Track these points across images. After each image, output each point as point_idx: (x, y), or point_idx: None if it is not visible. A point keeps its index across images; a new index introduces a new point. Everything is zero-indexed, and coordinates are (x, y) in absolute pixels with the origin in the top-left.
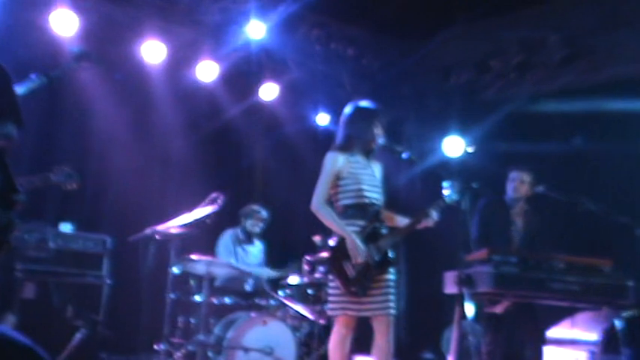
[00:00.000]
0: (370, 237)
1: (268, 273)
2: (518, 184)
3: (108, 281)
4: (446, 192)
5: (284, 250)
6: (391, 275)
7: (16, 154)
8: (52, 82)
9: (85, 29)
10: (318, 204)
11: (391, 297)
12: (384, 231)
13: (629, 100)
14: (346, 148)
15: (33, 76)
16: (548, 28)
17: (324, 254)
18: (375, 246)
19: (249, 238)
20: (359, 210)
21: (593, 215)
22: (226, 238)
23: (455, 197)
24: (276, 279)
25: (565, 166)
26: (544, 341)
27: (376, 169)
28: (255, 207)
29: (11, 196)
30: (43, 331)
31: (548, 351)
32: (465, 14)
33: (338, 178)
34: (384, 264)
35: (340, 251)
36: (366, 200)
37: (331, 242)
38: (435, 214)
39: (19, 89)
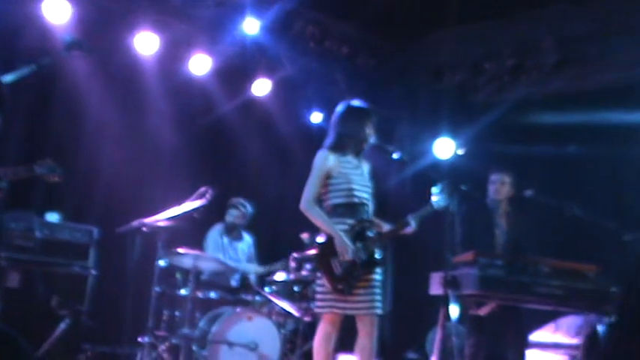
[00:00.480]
0: (358, 236)
1: (255, 269)
2: (499, 186)
3: (93, 272)
4: (434, 198)
5: (272, 246)
6: (378, 275)
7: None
8: (42, 70)
9: (77, 18)
10: (307, 203)
11: (377, 297)
12: (372, 231)
13: (619, 106)
14: (337, 147)
15: (22, 63)
16: (542, 32)
17: (312, 252)
18: (363, 245)
19: (230, 230)
20: (349, 209)
21: (581, 220)
22: (215, 232)
23: (443, 203)
24: (263, 275)
25: (554, 171)
26: (527, 344)
27: (365, 169)
28: (240, 200)
29: None
30: (27, 320)
31: (531, 354)
32: (460, 16)
33: (328, 177)
34: (370, 263)
35: (328, 248)
36: (356, 200)
37: (319, 239)
38: (414, 224)
39: (8, 77)
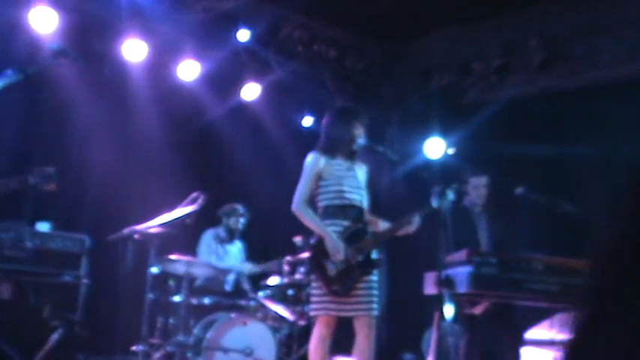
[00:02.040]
0: (353, 237)
1: (249, 267)
2: (482, 190)
3: (85, 281)
4: (433, 198)
5: (265, 250)
6: (374, 276)
7: None
8: (29, 78)
9: (65, 26)
10: (298, 204)
11: (374, 298)
12: (367, 233)
13: (607, 104)
14: (328, 149)
15: (9, 71)
16: (529, 32)
17: (305, 255)
18: (358, 246)
19: (231, 236)
20: (340, 211)
21: (573, 217)
22: (208, 237)
23: (442, 204)
24: (257, 275)
25: (545, 169)
26: (522, 342)
27: (360, 172)
28: (235, 205)
29: None
30: (19, 331)
31: (526, 352)
32: (447, 17)
33: (319, 178)
34: (366, 265)
35: (320, 250)
36: (347, 202)
37: (312, 242)
38: (417, 221)
39: None
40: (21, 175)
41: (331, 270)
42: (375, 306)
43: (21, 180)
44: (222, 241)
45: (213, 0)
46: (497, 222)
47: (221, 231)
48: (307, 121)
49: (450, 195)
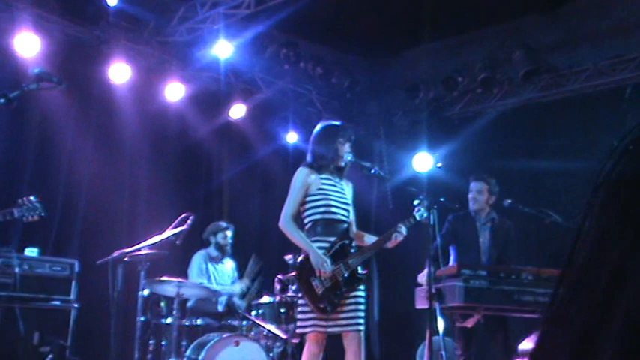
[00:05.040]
0: (339, 253)
1: (240, 286)
2: (475, 195)
3: (76, 305)
4: (416, 210)
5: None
6: (361, 292)
7: None
8: (11, 103)
9: (49, 51)
10: (285, 221)
11: (360, 313)
12: (352, 248)
13: (590, 114)
14: (315, 166)
15: None
16: (512, 44)
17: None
18: (344, 263)
19: (222, 253)
20: (327, 226)
21: (561, 227)
22: (199, 258)
23: (425, 214)
24: (249, 289)
25: (533, 180)
26: (515, 353)
27: (347, 189)
28: (217, 222)
29: None
30: (9, 358)
31: None
32: (431, 32)
33: (307, 194)
34: (353, 281)
35: (306, 267)
36: (334, 217)
37: (298, 259)
38: (404, 230)
39: None
40: (5, 209)
41: (318, 287)
42: (360, 321)
43: (5, 213)
44: (213, 260)
45: (197, 21)
46: (499, 229)
47: (212, 250)
48: (294, 139)
49: (433, 208)
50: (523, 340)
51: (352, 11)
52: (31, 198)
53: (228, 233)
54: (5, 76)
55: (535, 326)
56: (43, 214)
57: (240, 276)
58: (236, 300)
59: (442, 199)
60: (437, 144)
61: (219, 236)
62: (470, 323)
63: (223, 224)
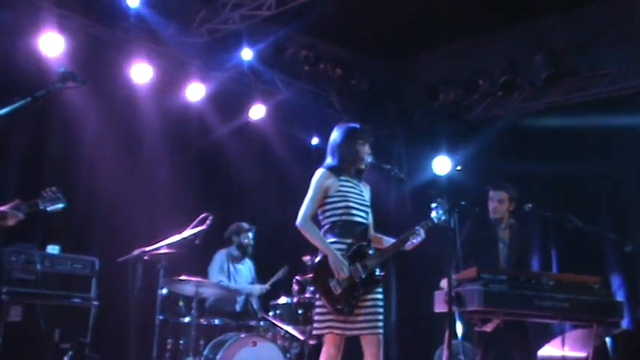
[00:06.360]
0: (357, 255)
1: (260, 287)
2: (496, 205)
3: (95, 303)
4: (433, 212)
5: (274, 270)
6: (379, 294)
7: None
8: (37, 102)
9: (72, 50)
10: (303, 220)
11: (379, 316)
12: (370, 250)
13: (615, 117)
14: (335, 168)
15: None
16: (532, 46)
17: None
18: (362, 264)
19: (244, 253)
20: (346, 228)
21: (582, 232)
22: (221, 257)
23: (443, 217)
24: (269, 290)
25: (553, 184)
26: None
27: (365, 191)
28: (239, 223)
29: None
30: (29, 354)
31: None
32: (450, 33)
33: (326, 195)
34: (370, 282)
35: (324, 268)
36: (353, 219)
37: (316, 260)
38: (422, 232)
39: (2, 110)
40: (30, 200)
41: (335, 288)
42: (380, 324)
43: (31, 204)
44: (234, 260)
45: (218, 22)
46: (518, 236)
47: (233, 250)
48: (313, 140)
49: (453, 210)
50: (543, 346)
51: (372, 13)
52: (53, 188)
53: (250, 235)
54: (30, 74)
55: (555, 333)
56: (65, 205)
57: (265, 280)
58: (253, 301)
59: (462, 203)
60: (456, 146)
61: (242, 236)
62: (489, 328)
63: (246, 225)
